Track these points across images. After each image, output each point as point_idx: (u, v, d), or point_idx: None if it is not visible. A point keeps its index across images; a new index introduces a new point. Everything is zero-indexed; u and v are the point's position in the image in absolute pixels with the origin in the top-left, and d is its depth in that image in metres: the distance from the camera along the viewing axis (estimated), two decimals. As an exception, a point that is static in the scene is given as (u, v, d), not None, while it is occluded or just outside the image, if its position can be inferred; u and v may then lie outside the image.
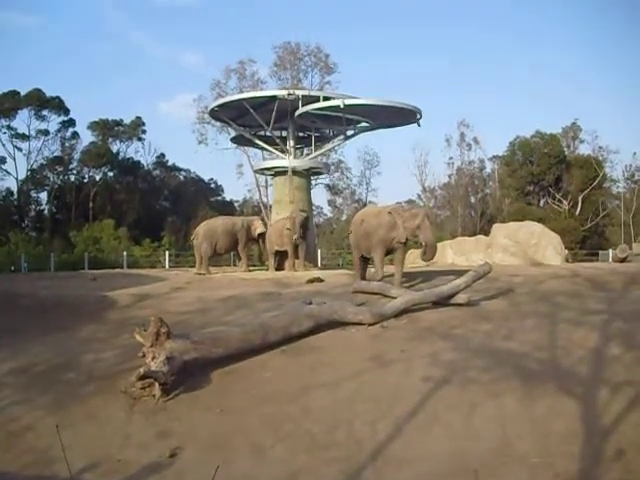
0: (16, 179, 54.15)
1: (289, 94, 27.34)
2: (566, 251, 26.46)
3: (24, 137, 54.38)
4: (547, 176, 54.15)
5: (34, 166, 55.15)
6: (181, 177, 66.03)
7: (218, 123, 42.30)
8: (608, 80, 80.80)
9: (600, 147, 58.15)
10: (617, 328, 10.15)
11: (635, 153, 58.75)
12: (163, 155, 63.34)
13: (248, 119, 29.45)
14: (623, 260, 26.95)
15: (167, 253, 36.78)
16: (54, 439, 7.34)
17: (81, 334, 12.06)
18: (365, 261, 16.85)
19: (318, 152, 31.60)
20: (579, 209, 53.14)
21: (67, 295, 15.77)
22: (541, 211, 52.23)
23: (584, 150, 58.52)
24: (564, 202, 53.67)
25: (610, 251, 34.02)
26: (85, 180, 57.09)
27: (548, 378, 8.11)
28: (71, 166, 56.99)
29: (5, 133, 53.84)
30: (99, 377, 9.42)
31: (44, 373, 9.81)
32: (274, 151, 30.90)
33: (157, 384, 8.52)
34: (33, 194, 56.42)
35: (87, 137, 57.60)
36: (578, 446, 6.51)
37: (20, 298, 15.33)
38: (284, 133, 30.79)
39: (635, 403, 7.22)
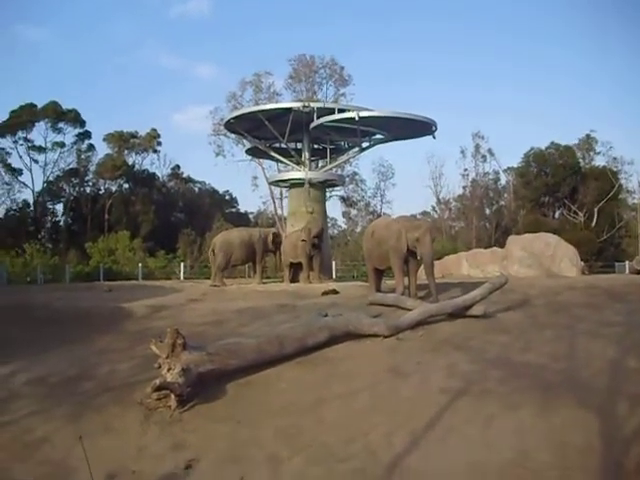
0: (32, 191, 54.82)
1: (304, 106, 27.39)
2: (582, 263, 26.24)
3: (40, 149, 54.97)
4: (562, 187, 53.88)
5: (50, 178, 55.72)
6: (196, 189, 66.29)
7: (233, 135, 42.47)
8: (622, 91, 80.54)
9: (614, 158, 57.75)
10: (635, 340, 10.06)
11: (651, 164, 58.45)
12: (178, 167, 63.76)
13: (263, 131, 29.54)
14: (640, 272, 26.74)
15: (182, 265, 36.90)
16: (70, 450, 7.37)
17: (97, 345, 12.08)
18: (379, 273, 16.83)
19: (333, 164, 31.61)
20: (595, 221, 52.72)
21: (83, 306, 15.83)
22: (556, 223, 51.96)
23: (599, 162, 58.24)
24: (579, 214, 53.32)
25: (627, 263, 33.76)
26: (101, 192, 57.45)
27: (566, 390, 8.03)
28: (87, 178, 57.43)
29: (22, 145, 54.51)
30: (115, 388, 9.43)
31: (60, 384, 9.84)
32: (289, 163, 30.94)
33: (173, 395, 8.53)
34: (49, 206, 56.95)
35: (103, 149, 58.09)
36: (597, 459, 6.44)
37: (36, 309, 15.40)
38: (299, 145, 30.84)
39: (655, 416, 7.14)
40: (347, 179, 50.76)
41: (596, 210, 52.72)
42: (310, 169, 29.75)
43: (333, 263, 32.57)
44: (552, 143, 55.42)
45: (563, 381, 8.41)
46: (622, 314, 12.33)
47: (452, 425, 7.46)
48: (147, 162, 60.39)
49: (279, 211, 51.66)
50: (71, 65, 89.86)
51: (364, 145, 30.98)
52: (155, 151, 60.04)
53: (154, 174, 60.67)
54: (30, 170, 54.63)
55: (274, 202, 53.11)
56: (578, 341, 10.19)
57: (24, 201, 55.18)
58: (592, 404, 7.54)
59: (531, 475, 6.32)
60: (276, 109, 28.88)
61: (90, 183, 57.88)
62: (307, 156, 29.74)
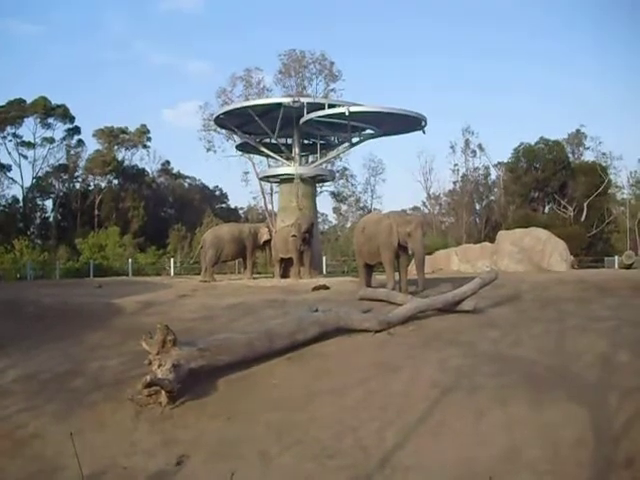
0: (21, 187, 54.49)
1: (294, 101, 27.39)
2: (572, 257, 26.35)
3: (29, 145, 54.61)
4: (552, 182, 54.08)
5: (39, 174, 55.42)
6: (186, 185, 66.15)
7: (224, 131, 42.35)
8: (611, 86, 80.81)
9: (604, 153, 58.01)
10: (625, 334, 10.10)
11: (640, 159, 58.63)
12: (168, 162, 63.65)
13: (253, 127, 29.52)
14: (629, 266, 26.92)
15: (172, 261, 36.84)
16: (60, 447, 7.33)
17: (87, 341, 12.02)
18: (370, 268, 16.85)
19: (323, 159, 31.65)
20: (584, 215, 52.90)
21: (73, 303, 15.75)
22: (546, 217, 52.12)
23: (588, 157, 58.47)
24: (569, 208, 53.51)
25: (616, 257, 33.92)
26: (90, 188, 57.23)
27: (557, 384, 8.06)
28: (76, 174, 57.16)
29: (11, 141, 54.21)
30: (105, 385, 9.40)
31: (50, 381, 9.80)
32: (279, 159, 30.93)
33: (163, 392, 8.51)
34: (38, 202, 56.62)
35: (92, 145, 57.82)
36: (587, 453, 6.46)
37: (25, 306, 15.31)
38: (289, 140, 30.82)
39: (645, 410, 7.16)
40: (337, 174, 50.69)
41: (585, 205, 52.92)
42: (300, 164, 29.74)
43: (324, 258, 32.60)
44: (542, 138, 55.60)
45: (553, 375, 8.44)
46: (612, 308, 12.38)
47: (443, 420, 7.47)
48: (137, 158, 60.22)
49: (269, 206, 51.54)
50: (61, 60, 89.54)
51: (354, 140, 31.02)
52: (145, 147, 59.86)
53: (144, 170, 60.53)
54: (19, 166, 54.44)
55: (264, 197, 52.91)
56: (568, 335, 10.23)
57: (13, 197, 54.98)
58: (582, 398, 7.57)
59: (522, 469, 6.33)
60: (266, 104, 28.88)
61: (80, 179, 57.66)
62: (297, 151, 29.73)
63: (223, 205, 66.60)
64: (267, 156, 35.18)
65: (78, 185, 57.42)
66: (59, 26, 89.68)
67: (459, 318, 11.93)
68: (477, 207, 61.67)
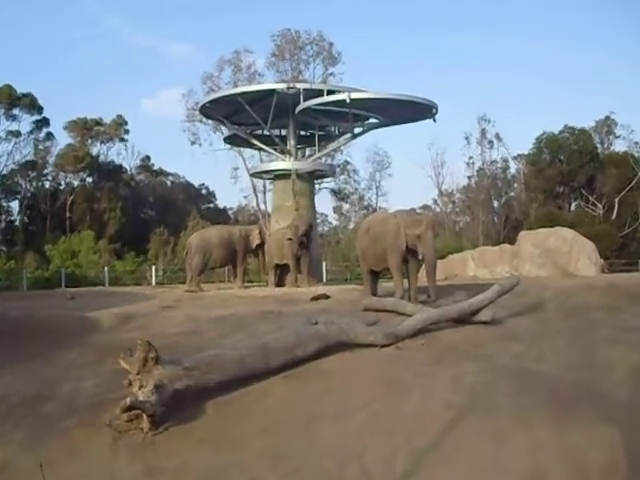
0: (-17, 187, 54.32)
1: (289, 87, 27.51)
2: (601, 260, 26.38)
3: (-7, 139, 54.56)
4: (578, 176, 54.07)
5: (4, 172, 55.21)
6: (168, 182, 66.30)
7: (210, 121, 42.45)
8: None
9: (636, 143, 58.08)
10: (661, 346, 10.13)
11: (677, 149, 58.48)
12: (148, 158, 63.79)
13: (244, 116, 29.61)
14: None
15: (154, 268, 36.89)
16: (29, 479, 7.34)
17: (59, 360, 12.04)
18: (375, 275, 16.88)
19: (322, 152, 31.76)
20: (615, 213, 52.89)
21: (42, 316, 15.77)
22: (572, 215, 52.16)
23: (619, 147, 58.49)
24: (598, 205, 53.51)
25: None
26: (61, 187, 57.31)
27: (584, 403, 8.07)
28: (45, 171, 57.26)
29: (-29, 136, 54.03)
30: (80, 409, 9.40)
31: (17, 405, 9.77)
32: (273, 152, 31.04)
33: (145, 416, 8.51)
34: (3, 203, 56.53)
35: (63, 138, 57.98)
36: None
37: (-11, 320, 15.33)
38: (284, 132, 30.96)
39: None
40: (338, 169, 50.86)
41: (617, 201, 52.86)
42: (296, 158, 29.88)
43: (323, 264, 32.68)
44: (566, 127, 55.68)
45: (581, 393, 8.45)
46: (646, 317, 12.40)
47: (458, 445, 7.48)
48: (113, 153, 60.42)
49: (262, 206, 51.64)
50: (27, 43, 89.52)
51: (357, 131, 31.14)
52: (122, 140, 60.05)
53: (121, 166, 60.66)
54: (-19, 164, 54.33)
55: (256, 196, 53.08)
56: (597, 348, 10.25)
57: (-25, 198, 54.87)
58: (613, 419, 7.58)
59: (546, 499, 6.36)
60: (258, 91, 28.99)
61: (49, 177, 57.83)
62: (293, 144, 29.85)
63: (210, 205, 66.72)
64: (259, 149, 35.31)
65: (47, 184, 57.58)
66: (22, 6, 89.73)
67: (476, 330, 11.97)
68: (495, 205, 61.79)
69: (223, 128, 39.08)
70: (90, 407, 9.38)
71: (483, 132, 59.94)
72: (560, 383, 8.85)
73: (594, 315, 12.83)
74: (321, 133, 31.32)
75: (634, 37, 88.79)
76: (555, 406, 8.05)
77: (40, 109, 55.08)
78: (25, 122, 55.15)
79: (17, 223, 56.23)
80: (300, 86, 28.22)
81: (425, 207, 61.33)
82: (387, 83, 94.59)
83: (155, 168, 64.61)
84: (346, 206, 62.55)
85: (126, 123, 59.23)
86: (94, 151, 58.29)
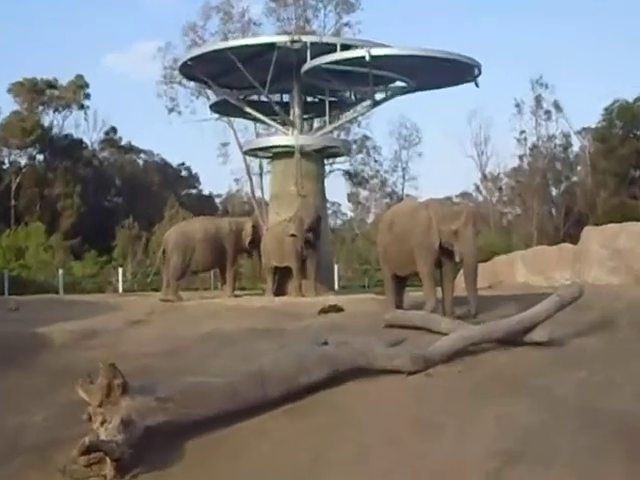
0: None
1: (293, 41, 27.45)
2: (688, 264, 26.31)
3: None
4: (660, 157, 54.01)
5: None
6: (140, 161, 66.58)
7: (193, 84, 42.47)
8: None
9: None
10: None
11: None
12: (114, 130, 64.08)
13: (235, 77, 29.60)
14: None
15: (120, 271, 36.97)
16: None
17: (0, 388, 12.07)
18: (401, 281, 16.85)
19: (334, 124, 31.80)
20: None
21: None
22: (651, 207, 52.09)
23: None
24: (685, 194, 53.46)
25: None
26: (5, 166, 57.49)
27: (666, 449, 8.05)
28: (-17, 146, 57.35)
29: None
30: (27, 449, 9.41)
31: (-52, 444, 9.83)
32: (272, 123, 31.06)
33: (108, 460, 8.51)
34: None
35: (8, 105, 58.43)
36: None
37: None
38: (286, 98, 30.92)
39: None
40: (354, 146, 50.82)
41: None
42: (301, 132, 29.84)
43: (335, 268, 32.69)
44: (644, 93, 55.52)
45: (662, 436, 8.43)
46: None
47: (505, 502, 7.48)
48: (70, 123, 60.74)
49: (258, 193, 51.69)
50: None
51: (378, 97, 31.05)
52: (82, 107, 60.29)
53: (80, 140, 60.95)
54: None
55: (251, 180, 53.14)
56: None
57: None
58: None
59: None
60: (253, 45, 28.98)
61: (-10, 154, 57.92)
62: (297, 113, 29.84)
63: (193, 191, 67.02)
64: (255, 120, 35.37)
65: (-14, 163, 57.72)
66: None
67: (527, 353, 11.95)
68: (553, 192, 61.62)
69: (209, 92, 39.09)
70: (39, 447, 9.39)
71: (538, 100, 59.89)
72: (636, 421, 8.82)
73: (679, 335, 12.81)
74: (333, 99, 31.22)
75: None
76: (629, 451, 8.02)
77: (-22, 68, 55.43)
78: (-41, 84, 55.61)
79: (-51, 212, 56.53)
80: (307, 39, 28.09)
81: (464, 195, 61.39)
82: (416, 36, 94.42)
83: (123, 143, 64.81)
84: (364, 193, 62.64)
85: (87, 86, 59.51)
86: (46, 121, 58.62)
